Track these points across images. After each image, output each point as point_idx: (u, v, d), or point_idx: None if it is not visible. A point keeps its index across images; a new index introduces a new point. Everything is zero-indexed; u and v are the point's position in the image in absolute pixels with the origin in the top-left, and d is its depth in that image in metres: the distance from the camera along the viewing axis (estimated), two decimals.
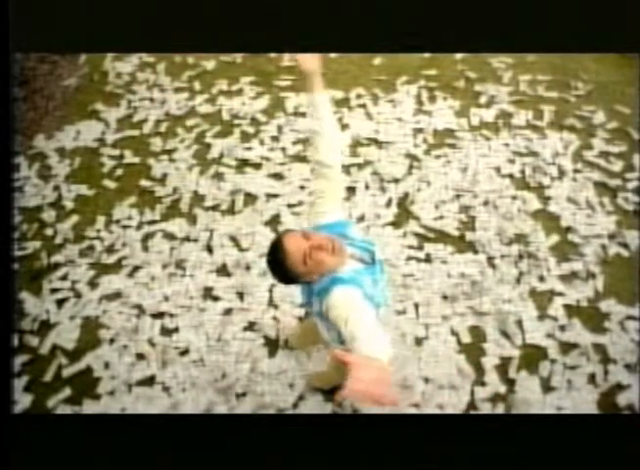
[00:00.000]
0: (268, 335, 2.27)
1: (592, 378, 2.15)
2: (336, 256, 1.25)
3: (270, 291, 2.41)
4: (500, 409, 2.06)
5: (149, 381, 2.16)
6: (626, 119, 3.17)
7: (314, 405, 2.07)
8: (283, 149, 3.01)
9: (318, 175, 1.42)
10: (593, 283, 2.43)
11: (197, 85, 3.41)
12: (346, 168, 2.90)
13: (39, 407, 2.09)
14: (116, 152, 3.04)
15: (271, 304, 2.37)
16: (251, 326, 2.30)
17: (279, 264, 1.27)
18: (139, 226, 2.68)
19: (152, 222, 2.69)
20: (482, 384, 2.13)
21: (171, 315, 2.34)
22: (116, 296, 2.41)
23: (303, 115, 3.20)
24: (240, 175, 2.90)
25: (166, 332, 2.30)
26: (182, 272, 2.49)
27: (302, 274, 1.27)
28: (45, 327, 2.32)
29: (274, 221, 2.67)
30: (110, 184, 2.88)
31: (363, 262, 1.34)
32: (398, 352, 2.20)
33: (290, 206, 2.73)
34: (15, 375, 2.15)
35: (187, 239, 2.62)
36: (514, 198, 2.76)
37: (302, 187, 2.80)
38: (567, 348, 2.23)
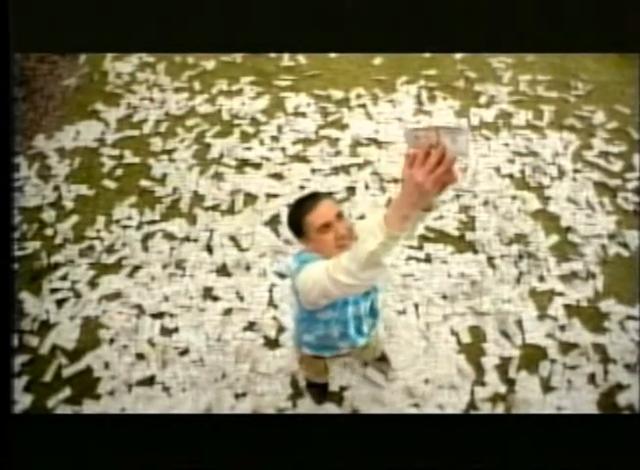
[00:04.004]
0: (268, 335, 2.27)
1: (592, 378, 2.15)
2: (339, 249, 1.25)
3: (270, 291, 2.41)
4: (500, 409, 2.06)
5: (149, 381, 2.16)
6: (626, 119, 3.17)
7: (314, 405, 2.07)
8: (283, 149, 3.01)
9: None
10: (593, 283, 2.43)
11: (197, 85, 3.41)
12: (346, 168, 2.91)
13: (39, 407, 2.09)
14: (116, 152, 3.03)
15: (271, 303, 2.37)
16: (250, 326, 2.30)
17: (300, 213, 1.31)
18: (139, 226, 2.68)
19: (152, 222, 2.69)
20: (482, 384, 2.13)
21: (171, 315, 2.34)
22: (116, 296, 2.41)
23: (303, 115, 3.20)
24: (240, 175, 2.89)
25: (166, 332, 2.30)
26: (182, 272, 2.49)
27: (305, 234, 1.31)
28: (45, 327, 2.31)
29: (274, 221, 2.67)
30: (110, 184, 2.88)
31: None
32: (399, 353, 2.21)
33: (290, 206, 2.73)
34: (15, 375, 2.14)
35: (187, 239, 2.62)
36: (514, 198, 2.76)
37: (302, 187, 2.80)
38: (567, 348, 2.23)
